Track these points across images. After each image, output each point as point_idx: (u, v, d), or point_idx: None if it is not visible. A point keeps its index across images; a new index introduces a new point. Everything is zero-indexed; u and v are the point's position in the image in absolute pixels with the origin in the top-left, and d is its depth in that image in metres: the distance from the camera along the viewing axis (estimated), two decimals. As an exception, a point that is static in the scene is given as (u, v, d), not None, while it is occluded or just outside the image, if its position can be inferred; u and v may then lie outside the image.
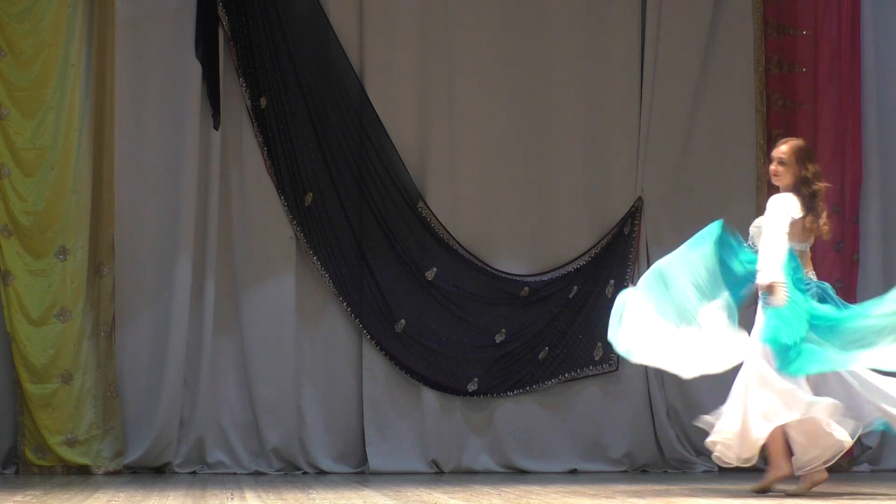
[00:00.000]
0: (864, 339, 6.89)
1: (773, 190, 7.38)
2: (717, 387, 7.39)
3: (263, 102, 9.35)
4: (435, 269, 9.49)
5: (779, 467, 7.02)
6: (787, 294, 6.88)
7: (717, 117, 9.77)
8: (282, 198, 9.36)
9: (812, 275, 7.17)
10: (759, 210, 7.90)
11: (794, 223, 7.04)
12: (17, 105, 8.98)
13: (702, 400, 8.70)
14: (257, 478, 8.81)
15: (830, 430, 6.78)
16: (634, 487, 7.60)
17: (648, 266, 9.54)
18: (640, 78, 9.73)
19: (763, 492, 7.04)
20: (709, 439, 7.07)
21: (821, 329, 6.95)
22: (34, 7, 8.99)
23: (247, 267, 9.33)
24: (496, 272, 9.56)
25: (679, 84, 9.73)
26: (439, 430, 9.39)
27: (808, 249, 7.24)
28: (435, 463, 9.37)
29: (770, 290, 6.88)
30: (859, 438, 9.37)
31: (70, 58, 9.01)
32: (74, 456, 8.89)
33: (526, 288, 9.55)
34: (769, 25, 9.79)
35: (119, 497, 6.83)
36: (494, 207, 9.65)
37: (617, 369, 9.53)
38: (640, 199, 9.67)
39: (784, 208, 7.05)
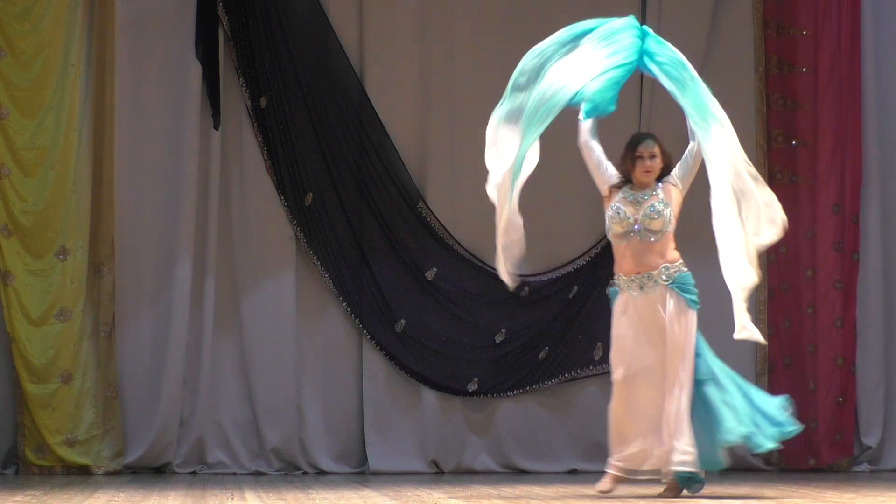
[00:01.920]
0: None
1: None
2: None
3: (263, 102, 9.35)
4: (435, 269, 9.49)
5: None
6: None
7: (718, 117, 9.75)
8: (282, 198, 9.36)
9: None
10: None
11: None
12: (17, 105, 8.98)
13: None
14: (257, 478, 8.81)
15: None
16: (634, 487, 7.59)
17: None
18: (640, 78, 9.72)
19: None
20: None
21: None
22: (34, 7, 8.99)
23: (247, 267, 9.33)
24: (496, 272, 9.54)
25: (679, 84, 9.72)
26: (439, 430, 9.39)
27: None
28: (435, 463, 9.36)
29: None
30: (859, 438, 9.41)
31: (70, 58, 9.01)
32: (74, 456, 8.89)
33: (526, 288, 9.54)
34: (769, 25, 9.78)
35: (119, 497, 6.83)
36: (494, 207, 9.62)
37: (617, 369, 9.51)
38: (640, 199, 9.66)
39: None
